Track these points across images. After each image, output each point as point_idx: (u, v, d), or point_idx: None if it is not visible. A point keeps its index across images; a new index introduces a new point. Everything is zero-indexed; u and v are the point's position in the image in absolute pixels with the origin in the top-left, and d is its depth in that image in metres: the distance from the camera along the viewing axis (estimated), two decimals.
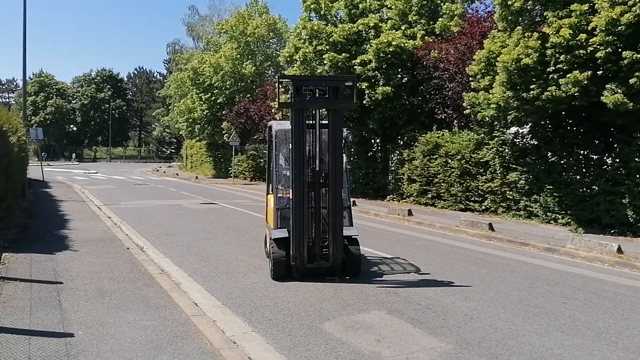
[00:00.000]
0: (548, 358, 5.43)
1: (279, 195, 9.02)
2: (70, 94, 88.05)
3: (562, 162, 15.26)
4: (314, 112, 8.52)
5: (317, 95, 8.36)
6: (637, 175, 13.15)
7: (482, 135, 17.95)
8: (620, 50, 12.36)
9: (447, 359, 5.34)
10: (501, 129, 17.24)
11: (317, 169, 8.40)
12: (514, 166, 16.64)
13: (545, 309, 7.23)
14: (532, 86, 13.69)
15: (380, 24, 22.46)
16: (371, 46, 21.30)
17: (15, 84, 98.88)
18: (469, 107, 16.64)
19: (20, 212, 15.54)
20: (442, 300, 7.46)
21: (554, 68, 13.43)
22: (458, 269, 9.63)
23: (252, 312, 6.77)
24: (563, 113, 14.95)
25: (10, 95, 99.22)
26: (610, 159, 14.43)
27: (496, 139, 17.29)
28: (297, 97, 8.20)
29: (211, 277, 8.65)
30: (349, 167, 10.27)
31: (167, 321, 6.12)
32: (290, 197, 8.37)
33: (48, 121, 78.61)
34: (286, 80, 8.42)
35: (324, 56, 22.30)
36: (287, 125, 9.00)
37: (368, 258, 10.18)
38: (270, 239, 8.75)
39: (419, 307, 7.08)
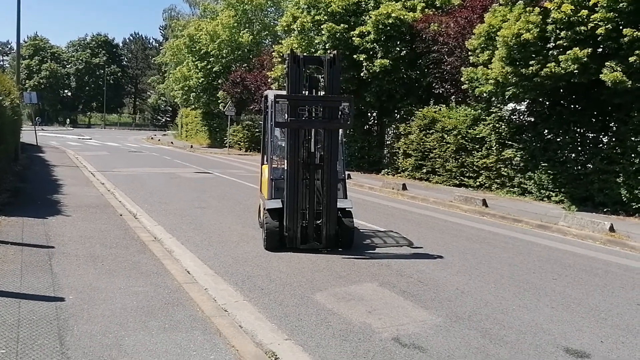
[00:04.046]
0: (537, 333, 5.46)
1: (273, 165, 8.98)
2: (65, 59, 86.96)
3: (558, 139, 15.22)
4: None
5: (313, 115, 8.44)
6: (633, 155, 13.13)
7: (479, 111, 17.87)
8: (621, 27, 12.23)
9: (437, 331, 5.37)
10: (498, 105, 17.15)
11: (312, 150, 8.45)
12: (509, 143, 16.61)
13: (535, 284, 7.27)
14: (531, 62, 13.57)
15: None
16: (370, 17, 21.04)
17: (9, 47, 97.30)
18: (467, 82, 16.54)
19: (13, 175, 15.45)
20: (433, 274, 7.49)
21: (554, 44, 13.30)
22: (450, 244, 9.66)
23: (244, 281, 6.78)
24: (561, 90, 14.86)
25: (4, 58, 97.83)
26: (606, 137, 14.41)
27: (493, 115, 17.21)
28: (294, 116, 8.18)
29: (204, 245, 8.65)
30: (344, 140, 10.24)
31: (158, 288, 6.12)
32: (285, 168, 8.35)
33: (42, 85, 77.66)
34: (282, 100, 8.33)
35: (322, 26, 22.00)
36: (283, 94, 8.93)
37: (361, 231, 10.19)
38: (264, 209, 8.74)
39: (411, 280, 7.11)
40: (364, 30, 21.15)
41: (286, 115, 8.34)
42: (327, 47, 21.77)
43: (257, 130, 34.38)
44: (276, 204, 8.47)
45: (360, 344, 4.97)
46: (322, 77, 9.16)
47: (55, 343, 4.53)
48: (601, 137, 14.51)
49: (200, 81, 39.57)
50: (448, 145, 18.75)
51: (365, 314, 5.75)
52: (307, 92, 8.62)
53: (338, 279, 7.03)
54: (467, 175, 18.24)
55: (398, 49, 20.99)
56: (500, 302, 6.39)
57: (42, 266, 6.72)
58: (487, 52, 15.54)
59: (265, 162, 9.68)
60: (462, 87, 17.32)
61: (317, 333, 5.20)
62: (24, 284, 5.98)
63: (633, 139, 13.12)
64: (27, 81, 74.43)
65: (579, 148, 14.92)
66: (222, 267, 7.43)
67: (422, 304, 6.19)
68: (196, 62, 39.54)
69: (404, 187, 16.80)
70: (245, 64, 36.64)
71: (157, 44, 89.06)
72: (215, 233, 9.61)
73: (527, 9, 13.90)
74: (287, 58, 8.39)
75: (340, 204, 8.54)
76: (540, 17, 13.38)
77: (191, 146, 39.35)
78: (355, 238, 8.85)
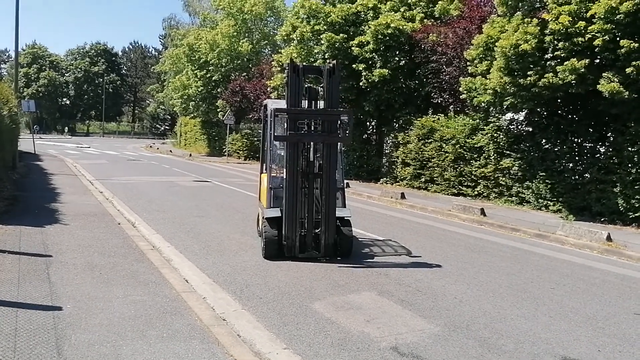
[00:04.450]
0: (535, 342, 5.47)
1: (272, 174, 9.00)
2: (64, 67, 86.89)
3: (555, 149, 15.27)
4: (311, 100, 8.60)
5: (312, 128, 8.48)
6: (629, 164, 13.18)
7: (478, 120, 17.94)
8: (618, 39, 12.32)
9: (435, 340, 5.37)
10: (496, 115, 17.22)
11: (311, 159, 8.49)
12: (507, 152, 16.66)
13: (533, 294, 7.27)
14: (529, 72, 13.64)
15: (379, 5, 22.23)
16: (369, 27, 21.13)
17: (7, 54, 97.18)
18: (465, 92, 16.60)
19: (11, 184, 15.44)
20: (432, 283, 7.49)
21: (552, 55, 13.39)
22: (449, 253, 9.67)
23: (242, 290, 6.77)
24: (559, 100, 14.94)
25: (2, 66, 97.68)
26: (603, 147, 14.46)
27: (491, 124, 17.28)
28: (293, 129, 8.24)
29: (202, 254, 8.64)
30: (343, 149, 10.27)
31: (157, 297, 6.11)
32: (284, 177, 8.36)
33: (40, 94, 77.52)
34: (282, 113, 8.37)
35: (321, 36, 22.12)
36: (282, 104, 8.98)
37: (360, 239, 10.19)
38: (263, 218, 8.74)
39: (409, 289, 7.11)
40: (363, 40, 21.25)
41: (285, 124, 8.36)
42: (326, 57, 21.86)
43: (256, 139, 34.48)
44: (275, 212, 8.48)
45: (358, 354, 4.97)
46: (321, 87, 9.21)
47: (52, 352, 4.52)
48: (598, 147, 14.56)
49: (199, 90, 39.65)
50: (446, 154, 18.78)
51: (364, 323, 5.75)
52: (306, 101, 8.65)
53: (336, 288, 7.03)
54: (466, 184, 18.27)
55: (397, 58, 21.08)
56: (499, 311, 6.40)
57: (39, 275, 6.70)
58: (486, 62, 15.61)
59: (264, 171, 9.69)
60: (461, 96, 17.39)
61: (316, 342, 5.20)
62: (21, 293, 5.96)
63: (630, 149, 13.18)
64: (25, 89, 74.31)
65: (577, 158, 14.97)
66: (220, 275, 7.42)
67: (421, 313, 6.19)
68: (195, 71, 39.63)
69: (403, 196, 16.82)
70: (245, 73, 36.74)
71: (157, 53, 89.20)
72: (214, 242, 9.61)
73: (525, 20, 14.01)
74: (287, 68, 8.43)
75: (339, 212, 8.54)
76: (538, 28, 13.47)
77: (190, 155, 39.35)
78: (354, 247, 8.85)
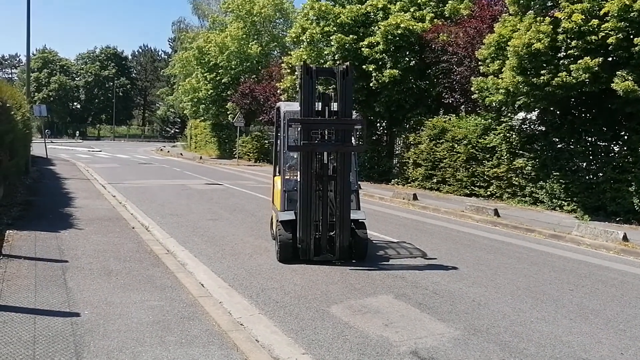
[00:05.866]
0: (557, 345, 5.40)
1: (286, 177, 8.97)
2: (74, 71, 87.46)
3: (569, 149, 15.14)
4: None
5: (326, 137, 8.46)
6: None
7: (490, 120, 17.84)
8: (632, 36, 12.21)
9: (455, 344, 5.32)
10: (509, 115, 17.11)
11: (325, 161, 8.45)
12: (520, 152, 16.54)
13: (552, 296, 7.20)
14: (542, 72, 13.56)
15: (389, 6, 22.18)
16: (379, 28, 21.08)
17: (18, 59, 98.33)
18: (477, 91, 16.49)
19: (24, 189, 15.52)
20: (449, 286, 7.43)
21: (565, 54, 13.30)
22: (464, 255, 9.60)
23: (258, 294, 6.74)
24: (572, 99, 14.82)
25: (13, 71, 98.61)
26: (617, 146, 14.34)
27: (503, 124, 17.17)
28: (306, 139, 8.24)
29: (217, 258, 8.62)
30: None
31: (173, 302, 6.10)
32: (298, 180, 8.34)
33: (51, 98, 78.01)
34: (296, 123, 8.35)
35: (331, 37, 22.11)
36: (295, 106, 8.95)
37: (374, 242, 10.13)
38: (277, 221, 8.71)
39: (427, 292, 7.05)
40: (373, 41, 21.21)
41: (299, 127, 8.34)
42: (336, 58, 21.85)
43: (266, 141, 34.54)
44: (289, 215, 8.45)
45: (378, 358, 4.92)
46: (333, 89, 9.17)
47: None
48: (613, 146, 14.43)
49: (209, 93, 39.74)
50: (458, 154, 18.69)
51: (382, 327, 5.70)
52: (320, 102, 8.61)
53: (353, 292, 6.99)
54: (478, 184, 18.17)
55: (407, 59, 21.01)
56: (518, 314, 6.33)
57: (56, 281, 6.71)
58: (498, 61, 15.52)
59: (277, 174, 9.67)
60: (472, 96, 17.30)
61: (334, 347, 5.16)
62: (39, 300, 5.96)
63: None
64: (36, 94, 74.73)
65: (591, 157, 14.83)
66: (236, 279, 7.40)
67: (439, 316, 6.14)
68: (205, 74, 39.72)
69: (415, 197, 16.75)
70: (254, 76, 36.77)
71: (166, 56, 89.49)
72: (228, 245, 9.59)
73: (538, 18, 13.92)
74: (300, 70, 8.40)
75: (354, 215, 8.51)
76: (551, 26, 13.38)
77: (200, 157, 39.45)
78: (368, 249, 8.80)
